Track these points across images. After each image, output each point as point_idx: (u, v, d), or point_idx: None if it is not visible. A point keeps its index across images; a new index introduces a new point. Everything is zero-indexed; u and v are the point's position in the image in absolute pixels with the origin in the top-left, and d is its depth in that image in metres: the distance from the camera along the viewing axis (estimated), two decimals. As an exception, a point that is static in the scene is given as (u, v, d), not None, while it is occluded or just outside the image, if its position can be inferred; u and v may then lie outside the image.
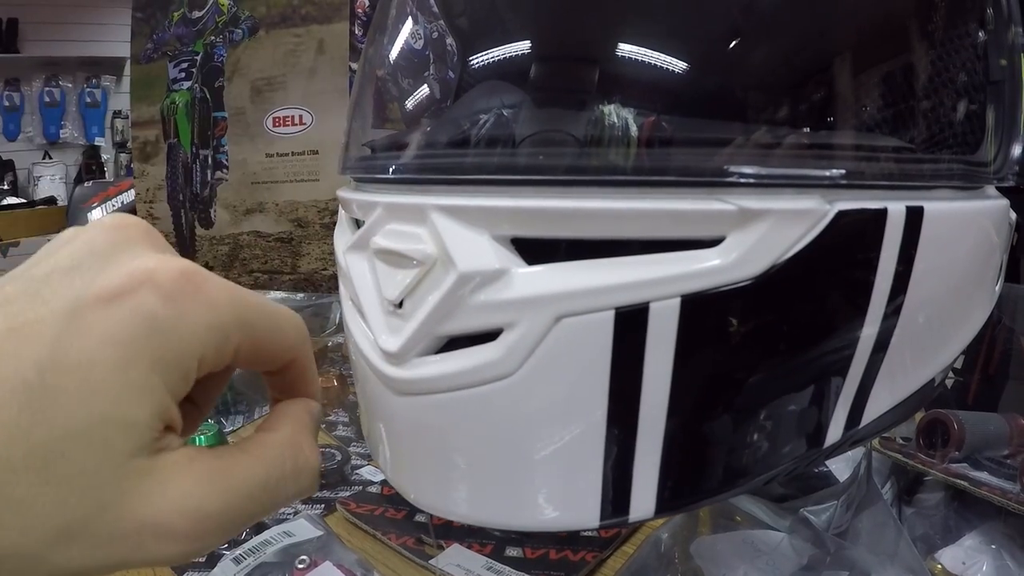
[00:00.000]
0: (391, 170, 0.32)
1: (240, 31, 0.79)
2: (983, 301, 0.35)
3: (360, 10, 0.81)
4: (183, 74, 0.83)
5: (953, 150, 0.30)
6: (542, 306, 0.25)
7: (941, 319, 0.31)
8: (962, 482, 0.48)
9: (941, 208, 0.28)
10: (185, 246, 0.84)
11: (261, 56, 0.78)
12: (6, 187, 3.14)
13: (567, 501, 0.27)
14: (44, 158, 3.31)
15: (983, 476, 0.49)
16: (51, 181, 3.27)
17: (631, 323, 0.24)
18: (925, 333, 0.30)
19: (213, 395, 0.24)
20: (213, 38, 0.81)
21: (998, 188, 0.34)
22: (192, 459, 0.19)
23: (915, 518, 0.52)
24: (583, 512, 0.27)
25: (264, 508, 0.20)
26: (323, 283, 0.78)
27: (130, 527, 0.17)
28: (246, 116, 0.79)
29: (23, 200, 3.03)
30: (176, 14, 0.84)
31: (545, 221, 0.25)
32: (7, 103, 3.15)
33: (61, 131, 3.30)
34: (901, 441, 0.54)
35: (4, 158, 3.18)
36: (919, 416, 0.53)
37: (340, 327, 0.93)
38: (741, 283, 0.24)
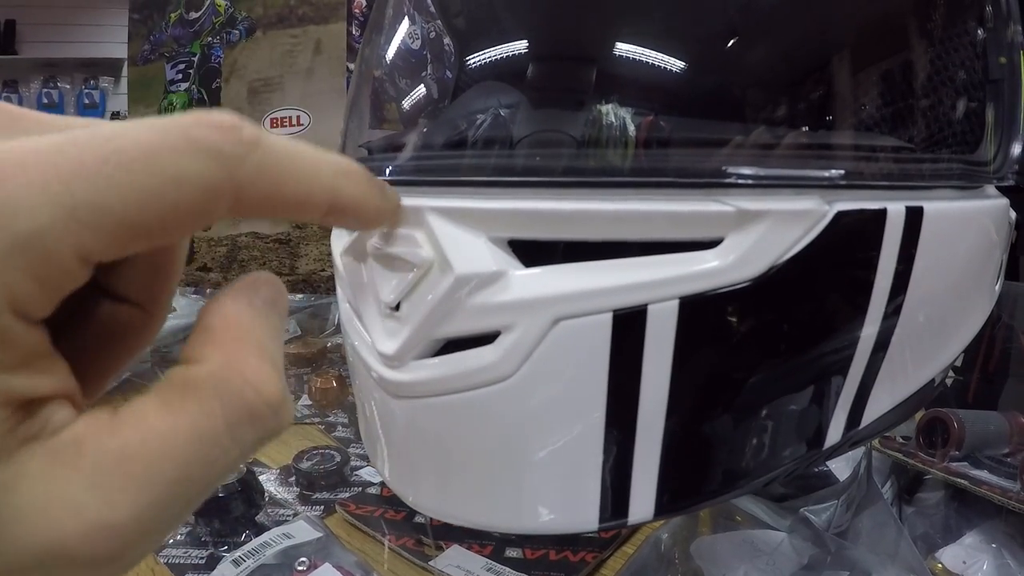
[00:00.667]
0: (387, 172, 0.32)
1: (237, 32, 0.79)
2: (983, 300, 0.34)
3: (357, 10, 0.80)
4: (180, 75, 0.83)
5: (952, 149, 0.30)
6: (540, 308, 0.24)
7: (941, 318, 0.31)
8: (962, 481, 0.48)
9: (941, 208, 0.28)
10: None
11: (258, 57, 0.78)
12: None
13: (566, 503, 0.27)
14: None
15: (983, 475, 0.49)
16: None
17: (629, 325, 0.24)
18: (925, 333, 0.30)
19: (159, 286, 0.17)
20: (210, 39, 0.81)
21: (997, 187, 0.34)
22: (81, 445, 0.13)
23: (915, 517, 0.52)
24: (582, 514, 0.27)
25: (207, 483, 0.14)
26: (321, 284, 0.78)
27: (24, 559, 0.12)
28: (243, 117, 0.79)
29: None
30: (173, 15, 0.83)
31: (542, 223, 0.25)
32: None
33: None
34: (901, 440, 0.54)
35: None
36: (919, 415, 0.53)
37: (339, 328, 0.92)
38: (740, 284, 0.24)
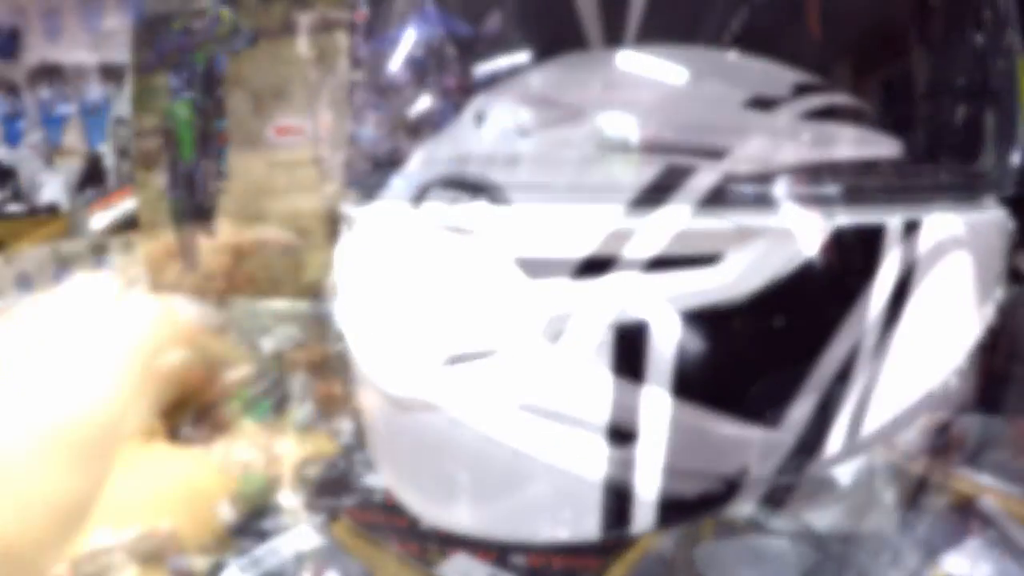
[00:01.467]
0: (390, 185, 0.32)
1: (240, 41, 0.79)
2: (983, 308, 0.35)
3: (360, 19, 0.81)
4: (184, 84, 0.83)
5: (951, 162, 0.30)
6: (541, 323, 0.25)
7: (941, 328, 0.31)
8: (965, 486, 0.48)
9: (939, 220, 0.28)
10: (186, 257, 0.84)
11: (262, 66, 0.78)
12: (8, 194, 3.14)
13: (568, 514, 0.27)
14: (46, 165, 3.31)
15: (986, 479, 0.49)
16: (53, 188, 3.27)
17: (630, 339, 0.24)
18: (925, 342, 0.30)
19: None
20: (214, 48, 0.81)
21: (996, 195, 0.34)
22: None
23: (918, 523, 0.52)
24: (584, 525, 0.27)
25: None
26: (326, 291, 0.78)
27: None
28: (247, 126, 0.79)
29: (24, 207, 3.03)
30: (176, 24, 0.84)
31: (545, 239, 0.25)
32: (8, 109, 3.15)
33: (63, 138, 3.30)
34: (903, 445, 0.54)
35: (5, 165, 3.17)
36: (921, 420, 0.53)
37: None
38: (740, 300, 0.24)
